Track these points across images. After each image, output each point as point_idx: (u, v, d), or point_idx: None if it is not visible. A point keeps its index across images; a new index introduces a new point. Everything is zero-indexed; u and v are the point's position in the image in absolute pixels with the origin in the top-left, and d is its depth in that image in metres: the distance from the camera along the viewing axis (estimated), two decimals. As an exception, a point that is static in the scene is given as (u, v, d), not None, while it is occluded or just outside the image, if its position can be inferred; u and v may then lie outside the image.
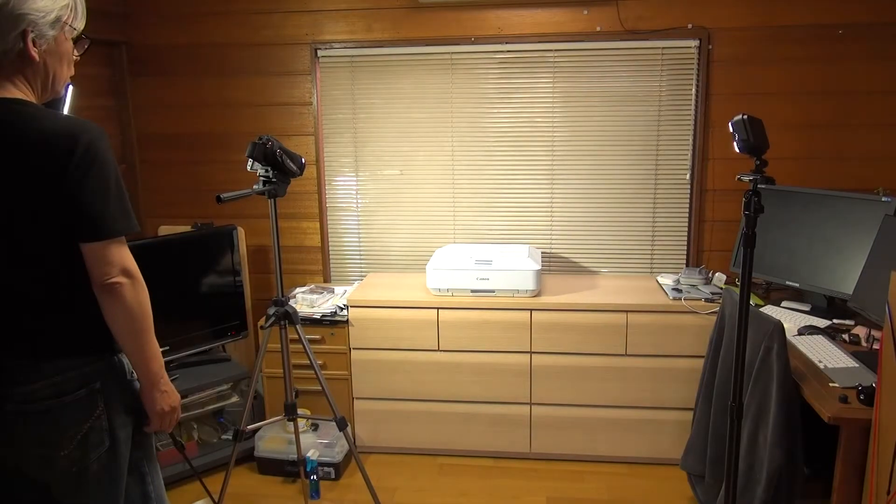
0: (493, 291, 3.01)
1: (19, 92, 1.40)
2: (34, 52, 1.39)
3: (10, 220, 1.37)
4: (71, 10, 1.45)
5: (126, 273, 1.43)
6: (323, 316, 3.09)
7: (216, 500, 2.78)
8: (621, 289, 3.10)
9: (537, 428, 3.07)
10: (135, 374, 1.57)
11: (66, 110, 2.27)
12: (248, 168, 2.37)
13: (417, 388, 3.09)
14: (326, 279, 3.59)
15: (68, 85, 2.26)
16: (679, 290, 3.02)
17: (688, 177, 3.27)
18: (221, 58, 3.42)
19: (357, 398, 3.14)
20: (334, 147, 3.46)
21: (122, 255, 1.43)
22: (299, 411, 2.63)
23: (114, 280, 1.41)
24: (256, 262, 3.61)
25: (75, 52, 1.51)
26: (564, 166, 3.33)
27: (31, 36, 1.37)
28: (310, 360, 2.49)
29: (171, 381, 2.48)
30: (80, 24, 1.49)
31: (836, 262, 2.68)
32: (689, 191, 3.28)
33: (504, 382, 3.04)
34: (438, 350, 3.04)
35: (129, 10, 3.42)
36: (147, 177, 3.59)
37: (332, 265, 3.58)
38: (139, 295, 1.46)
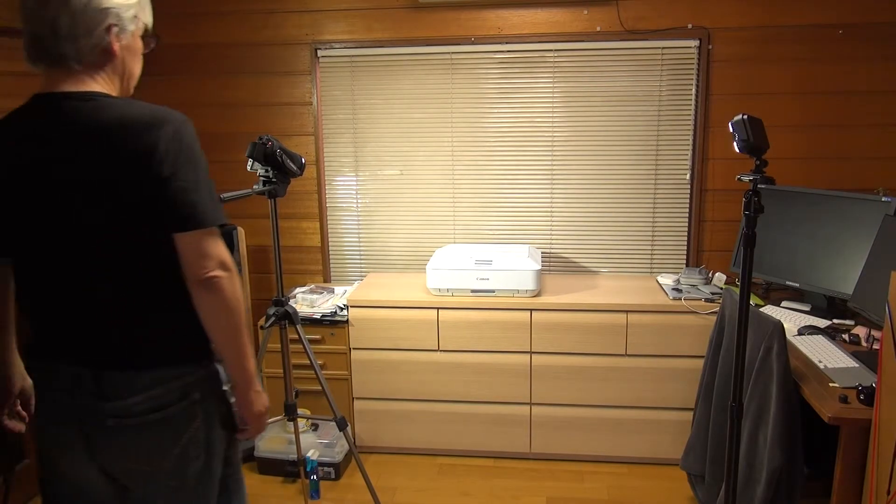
0: (493, 291, 3.01)
1: (101, 88, 1.36)
2: (116, 48, 1.35)
3: (98, 216, 1.30)
4: (142, 6, 1.42)
5: (224, 266, 1.35)
6: (323, 316, 3.09)
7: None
8: (621, 289, 3.10)
9: (537, 428, 3.07)
10: (229, 387, 1.49)
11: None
12: (248, 168, 2.37)
13: (417, 388, 3.09)
14: (326, 279, 3.59)
15: None
16: (679, 290, 3.02)
17: (688, 177, 3.27)
18: (221, 58, 3.42)
19: (357, 398, 3.14)
20: (334, 147, 3.46)
21: (219, 247, 1.35)
22: (299, 411, 2.63)
23: (213, 273, 1.33)
24: (256, 262, 3.61)
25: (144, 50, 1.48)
26: (564, 166, 3.33)
27: (114, 30, 1.34)
28: (310, 360, 2.49)
29: None
30: (150, 21, 1.47)
31: (836, 262, 2.68)
32: (689, 191, 3.28)
33: (504, 382, 3.04)
34: (438, 350, 3.04)
35: (129, 10, 3.42)
36: (147, 177, 3.58)
37: (332, 265, 3.58)
38: (236, 290, 1.38)
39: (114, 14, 1.33)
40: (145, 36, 1.46)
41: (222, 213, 1.37)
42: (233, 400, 1.50)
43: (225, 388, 1.48)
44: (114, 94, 1.39)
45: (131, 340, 1.36)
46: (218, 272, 1.33)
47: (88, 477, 1.42)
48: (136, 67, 1.45)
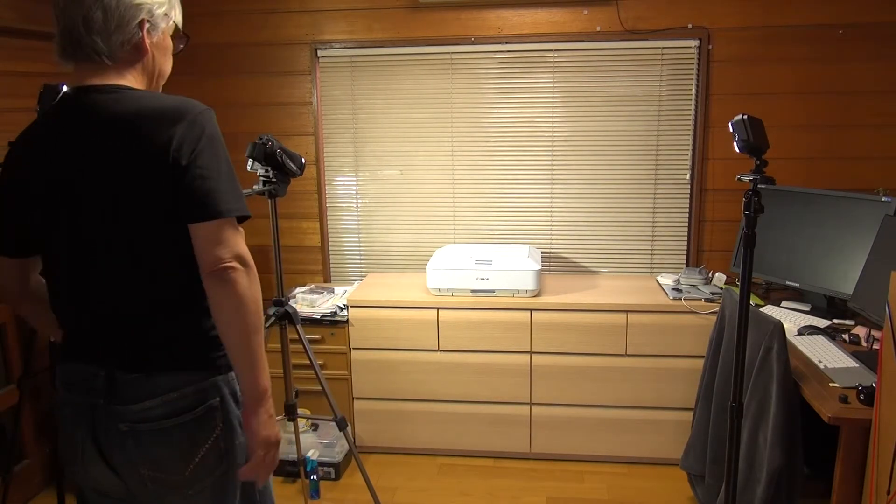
0: (493, 291, 3.01)
1: (128, 83, 1.33)
2: (147, 44, 1.34)
3: (115, 208, 1.26)
4: (172, 4, 1.41)
5: (240, 259, 1.27)
6: (323, 316, 3.09)
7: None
8: (621, 289, 3.10)
9: (537, 428, 3.07)
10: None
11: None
12: (248, 168, 2.37)
13: (417, 388, 3.09)
14: (326, 279, 3.59)
15: (62, 85, 2.26)
16: (679, 290, 3.01)
17: (688, 177, 3.27)
18: (221, 58, 3.42)
19: (357, 398, 3.14)
20: (334, 147, 3.46)
21: (236, 239, 1.28)
22: (299, 411, 2.63)
23: (226, 265, 1.25)
24: (256, 262, 3.58)
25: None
26: (564, 166, 3.32)
27: (146, 27, 1.33)
28: (310, 360, 2.49)
29: None
30: (180, 20, 1.45)
31: (836, 262, 2.68)
32: (689, 191, 3.28)
33: (504, 382, 3.04)
34: (438, 350, 3.04)
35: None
36: (147, 177, 3.59)
37: (332, 265, 3.58)
38: (253, 287, 1.29)
39: (146, 10, 1.32)
40: (175, 35, 1.44)
41: (243, 205, 1.30)
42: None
43: None
44: (141, 87, 1.36)
45: (147, 340, 1.32)
46: (232, 263, 1.26)
47: (106, 477, 1.38)
48: (166, 66, 1.43)
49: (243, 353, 1.29)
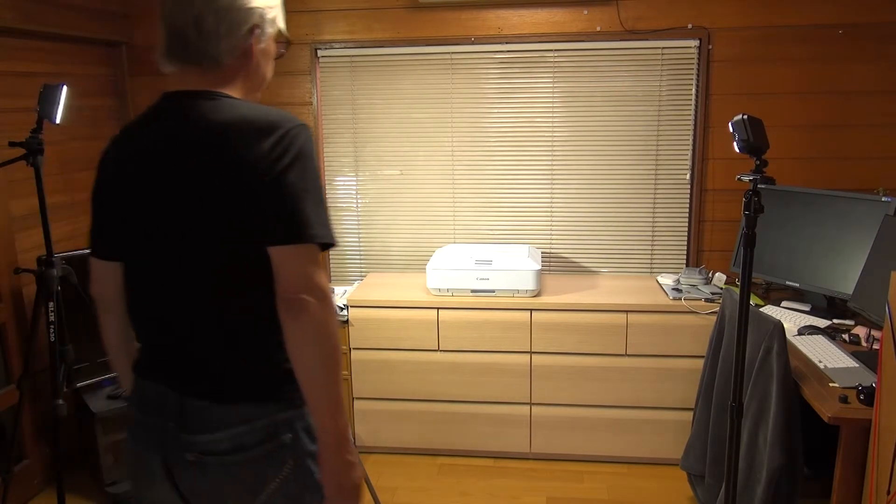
0: (493, 291, 3.01)
1: (230, 89, 1.28)
2: (255, 50, 1.29)
3: (196, 222, 1.18)
4: (279, 10, 1.35)
5: (316, 290, 1.17)
6: (323, 316, 3.09)
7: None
8: (621, 289, 3.10)
9: (537, 428, 3.07)
10: None
11: (60, 110, 2.28)
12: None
13: (417, 388, 3.09)
14: (326, 279, 3.58)
15: (62, 85, 2.26)
16: (679, 290, 3.01)
17: (688, 177, 3.27)
18: (221, 58, 3.41)
19: (357, 398, 3.14)
20: (334, 147, 3.46)
21: (317, 269, 1.18)
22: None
23: (303, 295, 1.16)
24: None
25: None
26: (564, 166, 3.32)
27: (256, 32, 1.28)
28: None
29: None
30: (284, 26, 1.38)
31: (836, 262, 2.68)
32: (689, 191, 3.28)
33: (504, 382, 3.03)
34: (438, 350, 3.04)
35: (129, 10, 3.42)
36: (147, 177, 3.59)
37: (332, 265, 3.58)
38: (329, 321, 1.18)
39: (258, 14, 1.27)
40: (278, 39, 1.37)
41: (329, 232, 1.20)
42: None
43: None
44: (241, 96, 1.30)
45: (218, 366, 1.23)
46: (309, 295, 1.16)
47: (172, 502, 1.29)
48: (269, 72, 1.37)
49: (316, 391, 1.19)
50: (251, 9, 1.25)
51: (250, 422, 1.21)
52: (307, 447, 1.26)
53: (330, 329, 1.19)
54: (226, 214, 1.17)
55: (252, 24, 1.26)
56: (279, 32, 1.36)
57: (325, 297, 1.18)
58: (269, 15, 1.30)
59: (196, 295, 1.22)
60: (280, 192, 1.15)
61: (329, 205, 1.19)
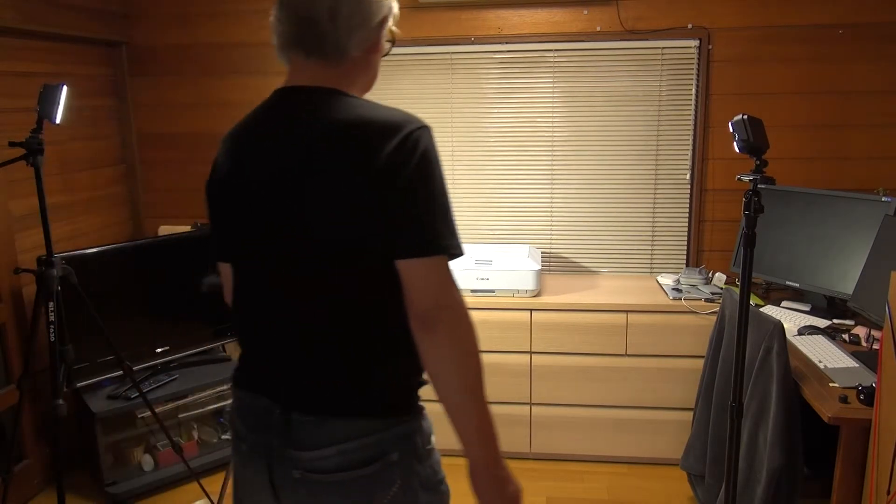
0: (493, 291, 3.01)
1: (348, 85, 1.21)
2: (379, 45, 1.24)
3: (312, 228, 1.11)
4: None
5: (454, 304, 1.12)
6: (323, 316, 3.08)
7: (214, 502, 2.78)
8: (621, 289, 3.10)
9: (537, 428, 3.06)
10: (433, 442, 1.26)
11: (60, 110, 2.28)
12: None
13: (417, 388, 3.08)
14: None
15: (62, 85, 2.26)
16: (679, 290, 3.01)
17: (688, 177, 3.26)
18: (221, 58, 3.42)
19: (357, 398, 3.13)
20: (334, 147, 3.45)
21: (450, 281, 1.12)
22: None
23: (437, 310, 1.10)
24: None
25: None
26: (564, 166, 3.32)
27: (385, 25, 1.22)
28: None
29: (171, 381, 2.31)
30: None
31: (836, 262, 2.68)
32: (689, 191, 3.28)
33: (504, 382, 3.03)
34: (438, 350, 3.04)
35: (129, 10, 3.42)
36: (147, 177, 3.59)
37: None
38: (468, 335, 1.13)
39: (387, 6, 1.21)
40: (387, 38, 1.30)
41: (458, 241, 1.13)
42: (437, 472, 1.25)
43: (429, 447, 1.25)
44: (356, 93, 1.23)
45: (327, 380, 1.16)
46: (448, 309, 1.11)
47: None
48: (378, 70, 1.31)
49: (464, 407, 1.14)
50: (378, 2, 1.19)
51: (359, 438, 1.16)
52: (414, 467, 1.21)
53: (468, 345, 1.13)
54: (348, 224, 1.10)
55: (382, 15, 1.21)
56: (390, 29, 1.29)
57: (460, 311, 1.13)
58: (396, 9, 1.25)
59: (310, 305, 1.15)
60: (406, 202, 1.09)
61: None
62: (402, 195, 1.08)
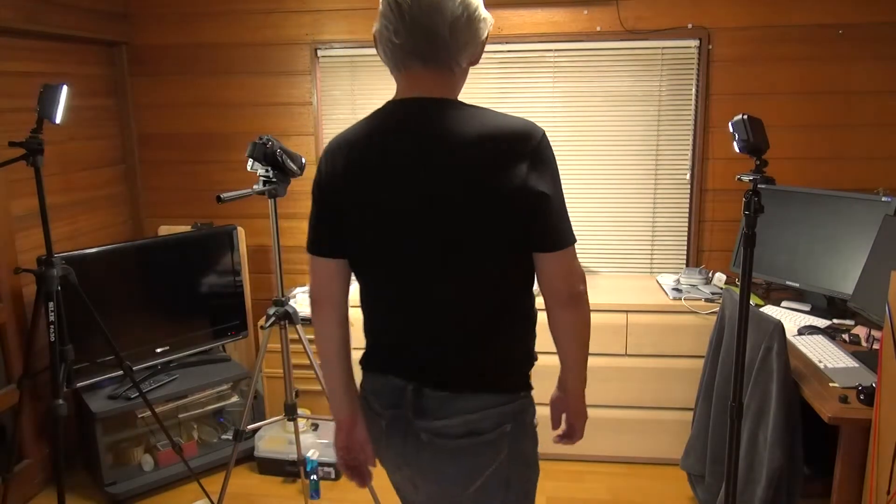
0: (493, 291, 3.00)
1: (454, 96, 1.33)
2: (479, 59, 1.35)
3: (454, 231, 1.24)
4: None
5: (584, 280, 1.33)
6: (323, 316, 3.08)
7: (214, 501, 2.78)
8: (621, 289, 3.10)
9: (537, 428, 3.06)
10: (537, 423, 1.44)
11: (60, 110, 2.28)
12: (248, 168, 2.37)
13: (417, 388, 3.08)
14: None
15: (62, 85, 2.26)
16: (679, 290, 3.01)
17: (688, 177, 3.27)
18: (221, 58, 3.42)
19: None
20: (334, 147, 3.45)
21: (579, 265, 1.32)
22: (299, 411, 2.63)
23: (581, 290, 1.32)
24: (256, 262, 3.61)
25: None
26: (564, 166, 3.32)
27: (484, 42, 1.34)
28: (310, 360, 2.49)
29: (171, 381, 2.41)
30: None
31: (836, 262, 2.68)
32: (689, 191, 3.28)
33: (504, 382, 3.03)
34: (438, 350, 3.04)
35: (129, 10, 3.42)
36: (147, 177, 3.59)
37: (332, 265, 3.57)
38: (589, 307, 1.38)
39: (489, 24, 1.33)
40: None
41: (573, 231, 1.32)
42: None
43: (535, 424, 1.43)
44: None
45: (460, 362, 1.32)
46: (582, 287, 1.32)
47: (407, 487, 1.45)
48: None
49: (583, 361, 1.41)
50: (485, 19, 1.31)
51: (484, 410, 1.31)
52: (521, 440, 1.38)
53: (588, 317, 1.37)
54: (489, 224, 1.23)
55: (487, 33, 1.33)
56: None
57: (586, 292, 1.35)
58: (490, 27, 1.35)
59: (448, 297, 1.30)
60: (546, 203, 1.24)
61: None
62: (542, 198, 1.23)
